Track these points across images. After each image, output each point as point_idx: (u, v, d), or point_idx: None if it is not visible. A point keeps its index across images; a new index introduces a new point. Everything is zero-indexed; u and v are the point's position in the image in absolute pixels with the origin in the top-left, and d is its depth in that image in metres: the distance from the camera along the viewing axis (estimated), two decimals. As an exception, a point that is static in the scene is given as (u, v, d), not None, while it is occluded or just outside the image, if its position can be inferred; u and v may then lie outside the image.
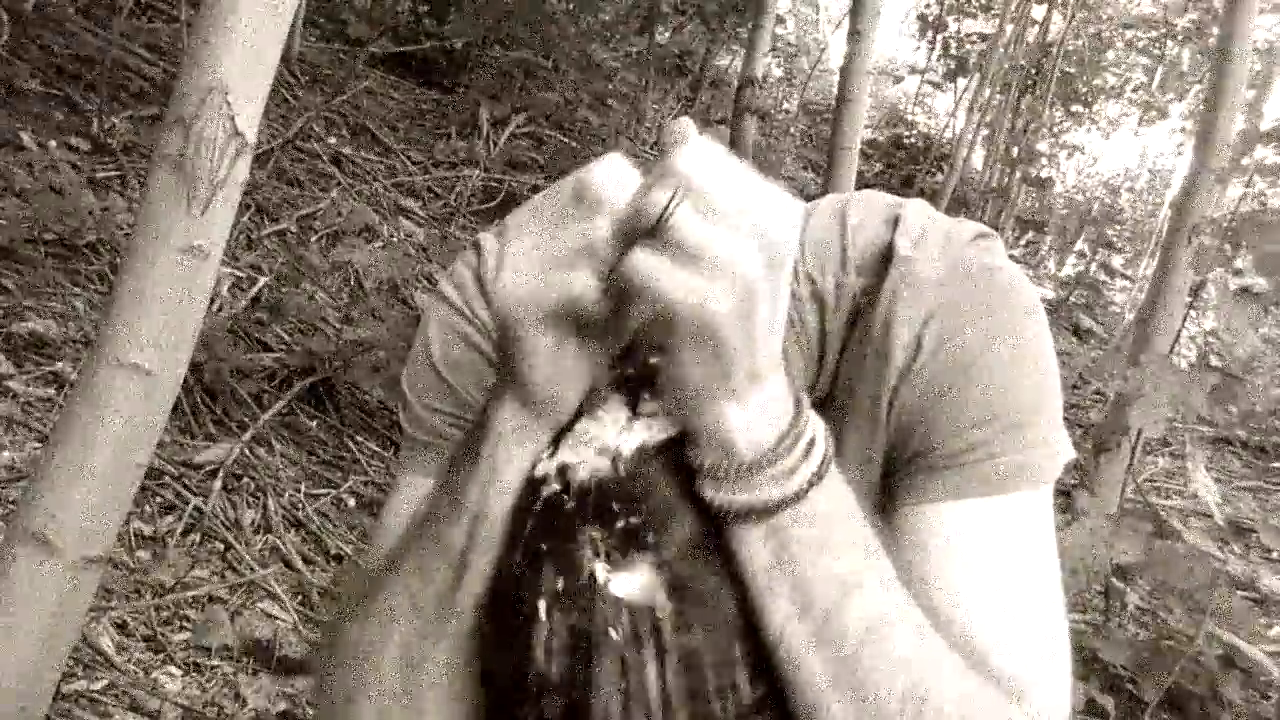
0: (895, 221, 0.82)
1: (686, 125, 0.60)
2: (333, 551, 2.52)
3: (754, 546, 0.64)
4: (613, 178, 0.59)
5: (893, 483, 0.81)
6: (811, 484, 0.64)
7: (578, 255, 0.59)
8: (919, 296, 0.78)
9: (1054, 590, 0.78)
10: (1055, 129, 10.19)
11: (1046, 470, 0.79)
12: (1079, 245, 9.90)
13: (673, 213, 0.56)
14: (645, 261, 0.57)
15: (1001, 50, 8.09)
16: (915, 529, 0.78)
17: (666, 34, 8.18)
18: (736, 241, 0.57)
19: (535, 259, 0.60)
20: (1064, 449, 0.80)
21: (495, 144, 5.66)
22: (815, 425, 0.65)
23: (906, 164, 9.72)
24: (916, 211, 0.83)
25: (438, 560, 0.69)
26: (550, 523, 0.63)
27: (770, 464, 0.63)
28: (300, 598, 2.31)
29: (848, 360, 0.81)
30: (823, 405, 0.81)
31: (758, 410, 0.62)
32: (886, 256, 0.80)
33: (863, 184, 7.29)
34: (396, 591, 0.72)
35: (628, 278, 0.57)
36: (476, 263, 0.89)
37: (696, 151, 0.59)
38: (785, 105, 10.62)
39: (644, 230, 0.57)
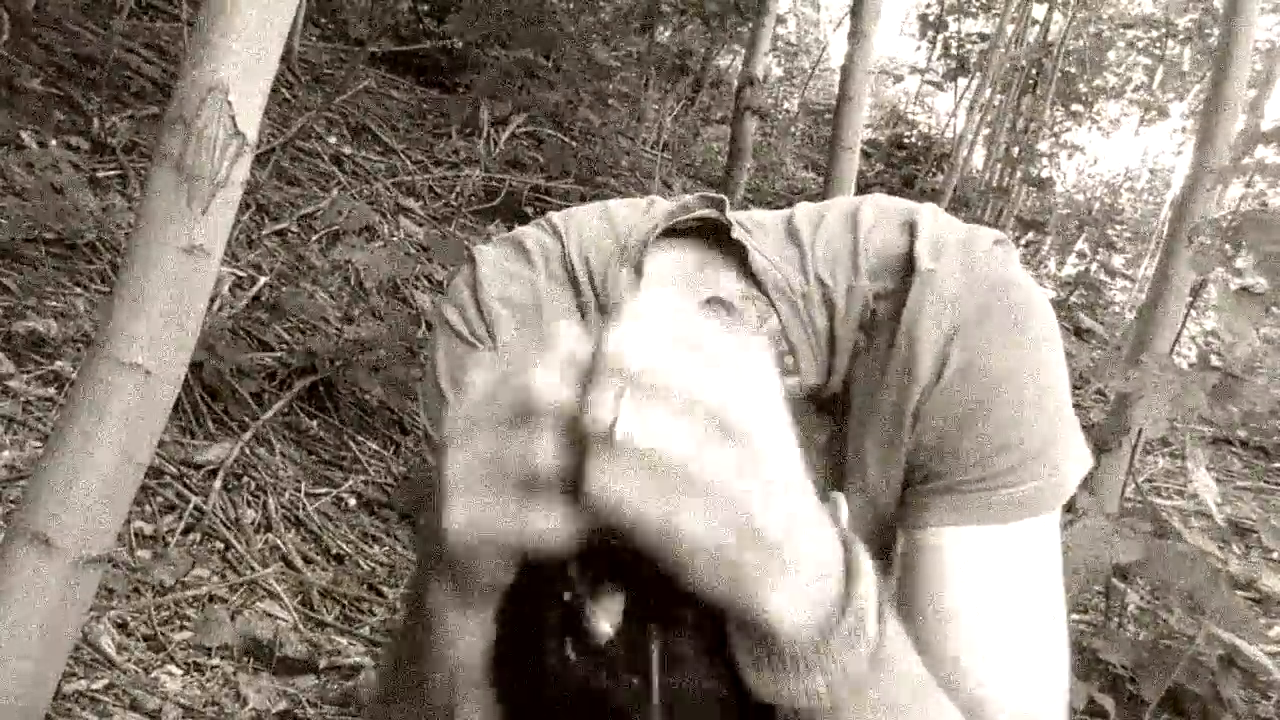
0: (912, 229, 0.82)
1: (627, 281, 0.53)
2: (333, 551, 2.52)
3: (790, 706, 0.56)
4: (555, 383, 0.49)
5: (909, 498, 0.81)
6: (868, 665, 0.55)
7: (529, 488, 0.50)
8: (942, 313, 0.78)
9: (1059, 619, 0.79)
10: (1056, 129, 10.18)
11: (1061, 493, 0.80)
12: (1079, 245, 9.90)
13: (618, 419, 0.47)
14: (599, 479, 0.47)
15: (1002, 50, 8.08)
16: (929, 551, 0.78)
17: (667, 34, 8.18)
18: (695, 440, 0.47)
19: (484, 493, 0.51)
20: (1077, 466, 0.81)
21: (496, 143, 5.66)
22: (866, 595, 0.55)
23: (907, 164, 9.72)
24: (932, 218, 0.83)
25: (428, 701, 0.64)
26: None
27: (816, 650, 0.53)
28: (300, 597, 2.31)
29: (866, 367, 0.81)
30: (833, 402, 0.83)
31: (795, 591, 0.52)
32: (906, 266, 0.80)
33: (863, 184, 7.28)
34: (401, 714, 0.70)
35: (585, 497, 0.48)
36: (473, 277, 0.89)
37: (639, 320, 0.49)
38: (786, 105, 10.63)
39: (594, 441, 0.48)
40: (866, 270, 0.82)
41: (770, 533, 0.50)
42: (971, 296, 0.78)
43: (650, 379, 0.48)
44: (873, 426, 0.81)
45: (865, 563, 0.56)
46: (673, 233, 0.87)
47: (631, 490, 0.47)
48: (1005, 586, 0.77)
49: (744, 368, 0.50)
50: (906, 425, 0.79)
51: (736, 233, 0.84)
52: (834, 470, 0.83)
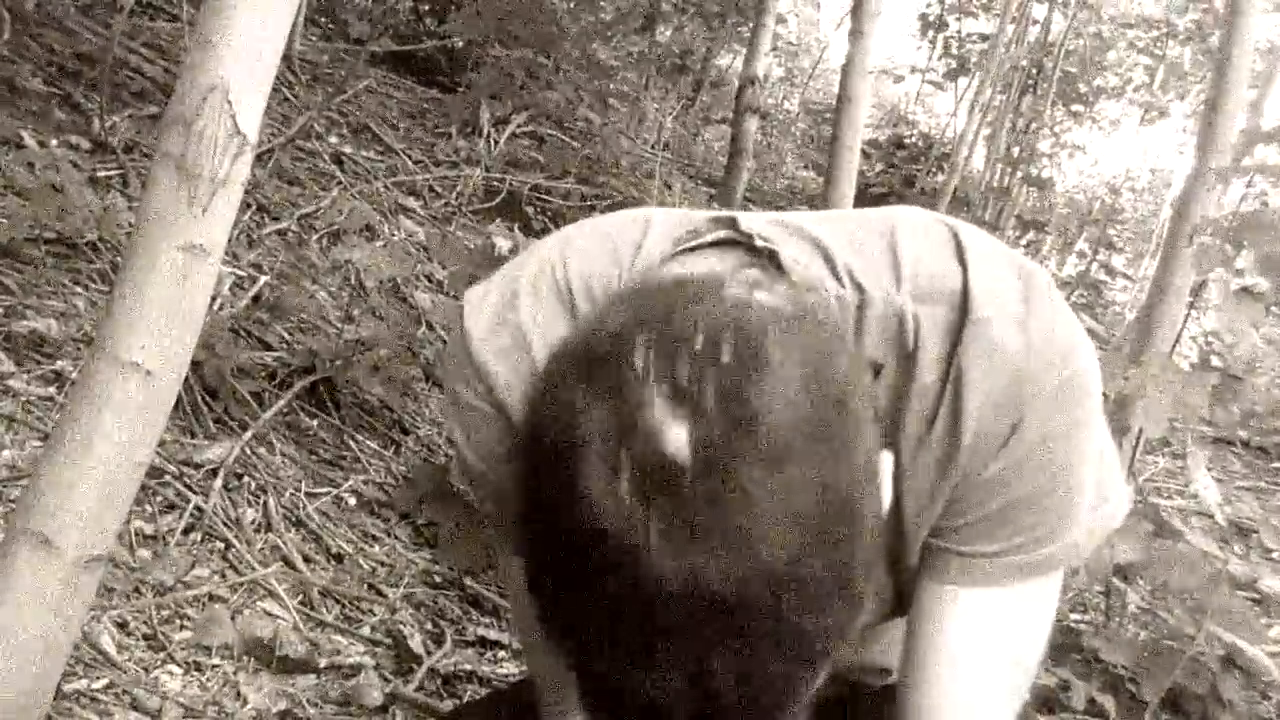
0: (961, 257, 0.79)
1: None
2: (333, 551, 2.52)
3: None
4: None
5: (933, 545, 0.82)
6: None
7: None
8: (996, 369, 0.76)
9: (1031, 670, 0.85)
10: (1056, 129, 10.17)
11: (1083, 549, 0.81)
12: (1080, 245, 9.89)
13: None
14: None
15: (1002, 50, 8.08)
16: (934, 598, 0.82)
17: (667, 33, 8.18)
18: None
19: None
20: (1098, 526, 0.83)
21: (496, 143, 5.66)
22: None
23: (907, 163, 9.71)
24: (980, 248, 0.81)
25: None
26: None
27: None
28: (301, 597, 2.31)
29: (911, 396, 0.79)
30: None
31: None
32: (959, 299, 0.78)
33: (863, 184, 7.27)
34: None
35: None
36: (463, 338, 0.88)
37: None
38: (786, 105, 10.62)
39: None
40: (910, 288, 0.79)
41: None
42: (1025, 363, 0.76)
43: None
44: (919, 463, 0.80)
45: None
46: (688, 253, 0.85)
47: None
48: (995, 642, 0.82)
49: None
50: (951, 476, 0.79)
51: (759, 242, 0.82)
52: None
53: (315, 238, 3.91)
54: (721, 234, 0.83)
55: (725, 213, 0.86)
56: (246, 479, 2.58)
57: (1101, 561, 2.21)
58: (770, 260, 0.81)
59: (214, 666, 2.03)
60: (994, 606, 0.80)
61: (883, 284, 0.79)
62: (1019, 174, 8.90)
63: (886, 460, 0.66)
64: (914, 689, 0.82)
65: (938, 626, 0.81)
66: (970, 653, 0.80)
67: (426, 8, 6.44)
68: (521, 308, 0.85)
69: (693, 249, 0.84)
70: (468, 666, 2.26)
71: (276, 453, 2.75)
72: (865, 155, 6.80)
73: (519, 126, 5.89)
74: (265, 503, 2.55)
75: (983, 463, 0.77)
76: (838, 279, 0.80)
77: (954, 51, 9.50)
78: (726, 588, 0.52)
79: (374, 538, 2.65)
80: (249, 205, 3.79)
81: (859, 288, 0.79)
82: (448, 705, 2.12)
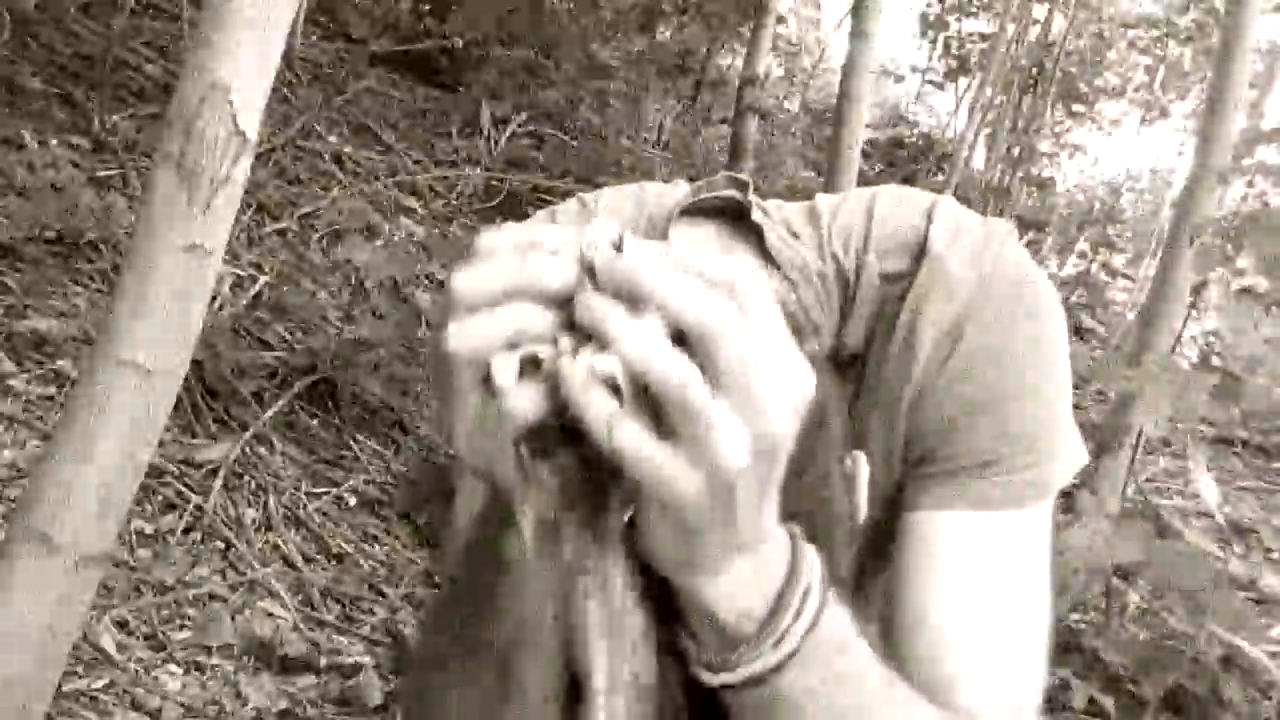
0: (929, 215, 0.83)
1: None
2: (334, 550, 2.52)
3: (739, 695, 0.59)
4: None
5: (907, 479, 0.82)
6: (804, 641, 0.58)
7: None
8: (949, 296, 0.79)
9: (1042, 609, 0.80)
10: (1056, 129, 10.17)
11: (1058, 482, 0.81)
12: (1080, 245, 9.88)
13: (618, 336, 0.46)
14: (621, 429, 0.47)
15: (1003, 50, 8.09)
16: (921, 533, 0.79)
17: (668, 33, 8.17)
18: (729, 429, 0.47)
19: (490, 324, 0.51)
20: (1076, 457, 0.81)
21: (496, 143, 5.66)
22: (811, 571, 0.58)
23: (908, 163, 9.71)
24: (949, 207, 0.84)
25: (482, 661, 0.62)
26: None
27: (758, 636, 0.57)
28: (300, 597, 2.32)
29: (876, 347, 0.82)
30: (851, 365, 0.83)
31: (741, 581, 0.55)
32: (919, 249, 0.81)
33: (864, 183, 7.27)
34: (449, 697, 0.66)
35: (594, 431, 0.47)
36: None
37: (647, 246, 0.48)
38: (787, 105, 10.62)
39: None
40: (877, 248, 0.83)
41: (741, 519, 0.50)
42: (980, 285, 0.79)
43: (720, 345, 0.47)
44: (877, 406, 0.82)
45: (810, 556, 0.58)
46: (698, 214, 0.88)
47: (643, 446, 0.47)
48: (992, 572, 0.79)
49: (791, 384, 0.49)
50: (904, 408, 0.80)
51: (755, 214, 0.85)
52: (855, 433, 0.83)
53: (315, 237, 3.91)
54: (728, 192, 0.87)
55: (744, 177, 0.88)
56: (247, 478, 2.59)
57: (1101, 561, 2.21)
58: (757, 241, 0.84)
59: (214, 666, 2.03)
60: (976, 530, 0.78)
61: (856, 250, 0.83)
62: (1019, 174, 8.89)
63: (862, 464, 0.66)
64: (903, 611, 0.78)
65: (922, 555, 0.78)
66: (958, 578, 0.76)
67: (427, 7, 6.43)
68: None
69: (697, 209, 0.88)
70: (468, 666, 2.26)
71: (276, 453, 2.75)
72: (865, 155, 6.80)
73: (519, 126, 5.89)
74: (265, 502, 2.55)
75: (934, 378, 0.79)
76: (822, 254, 0.84)
77: (954, 51, 9.49)
78: None
79: (374, 537, 2.65)
80: (249, 205, 3.79)
81: (836, 259, 0.83)
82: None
